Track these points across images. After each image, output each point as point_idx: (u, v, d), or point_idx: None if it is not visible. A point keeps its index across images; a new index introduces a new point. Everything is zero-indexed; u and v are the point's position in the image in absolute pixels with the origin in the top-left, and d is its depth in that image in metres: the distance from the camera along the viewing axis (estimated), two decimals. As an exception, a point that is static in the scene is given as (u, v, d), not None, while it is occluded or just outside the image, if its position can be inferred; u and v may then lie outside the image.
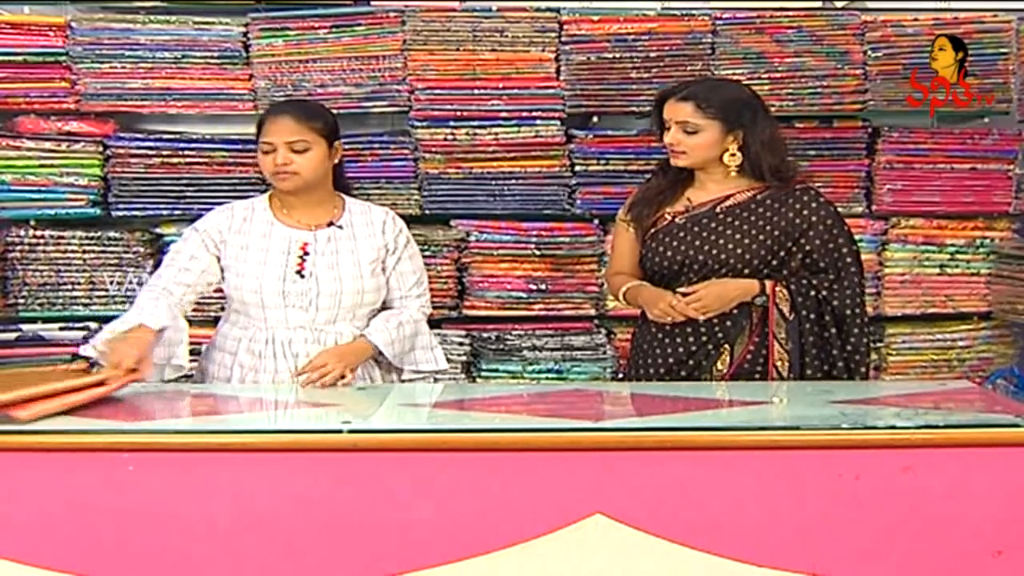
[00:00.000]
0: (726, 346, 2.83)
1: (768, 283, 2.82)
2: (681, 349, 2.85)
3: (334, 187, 2.93)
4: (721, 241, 2.84)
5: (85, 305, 3.75)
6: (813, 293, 2.81)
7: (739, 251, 2.83)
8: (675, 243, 2.87)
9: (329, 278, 2.81)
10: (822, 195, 2.91)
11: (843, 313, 2.82)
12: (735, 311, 2.82)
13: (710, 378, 2.83)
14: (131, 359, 2.46)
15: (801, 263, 2.85)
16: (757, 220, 2.84)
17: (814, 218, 2.84)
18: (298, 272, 2.80)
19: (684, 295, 2.80)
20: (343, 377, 2.67)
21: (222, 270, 2.85)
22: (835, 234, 2.86)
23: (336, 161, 2.89)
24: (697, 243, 2.85)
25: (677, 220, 2.89)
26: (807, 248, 2.84)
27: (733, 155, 2.84)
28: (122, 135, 3.75)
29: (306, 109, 2.88)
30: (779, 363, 2.81)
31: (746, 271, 2.83)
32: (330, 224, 2.87)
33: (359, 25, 3.77)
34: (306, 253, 2.83)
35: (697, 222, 2.87)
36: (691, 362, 2.84)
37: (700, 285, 2.81)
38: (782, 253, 2.84)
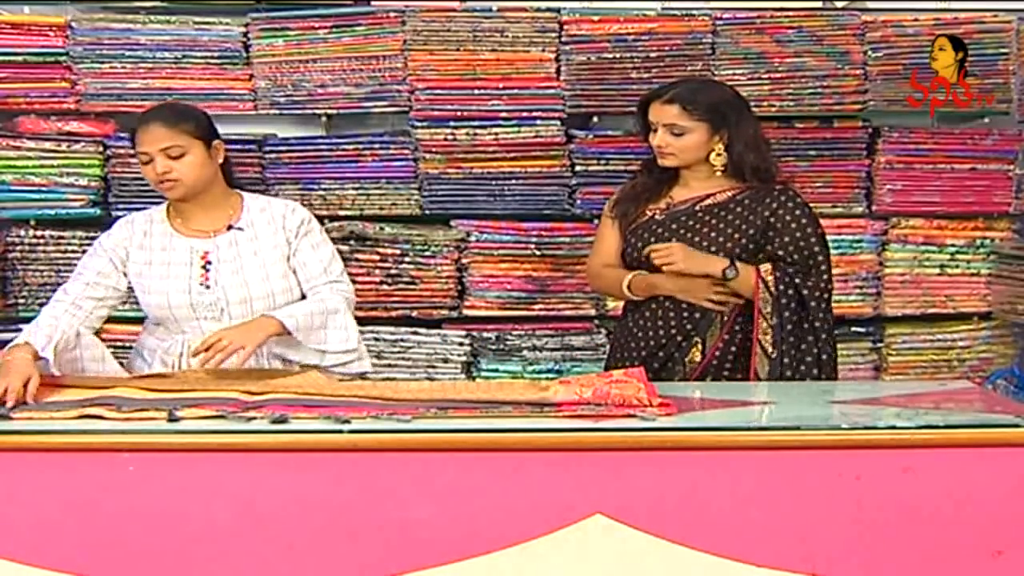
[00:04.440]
0: (697, 339, 2.89)
1: (750, 266, 2.86)
2: (653, 342, 2.91)
3: (230, 186, 2.89)
4: (697, 239, 2.90)
5: (85, 305, 3.74)
6: (788, 279, 2.86)
7: (713, 249, 2.88)
8: (652, 239, 2.93)
9: (235, 285, 2.77)
10: (799, 195, 2.96)
11: (809, 305, 2.85)
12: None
13: (683, 370, 2.89)
14: (16, 384, 2.34)
15: (771, 257, 2.90)
16: (734, 219, 2.90)
17: (788, 217, 2.89)
18: (202, 284, 2.77)
19: (654, 250, 2.86)
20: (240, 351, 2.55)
21: (130, 285, 2.82)
22: (808, 233, 2.90)
23: (221, 160, 2.83)
24: (674, 239, 2.91)
25: (657, 217, 2.95)
26: (776, 243, 2.89)
27: (719, 155, 2.91)
28: (122, 135, 3.75)
29: (174, 112, 2.81)
30: (763, 338, 2.84)
31: None
32: (229, 228, 2.82)
33: (359, 25, 3.77)
34: (208, 263, 2.78)
35: (676, 219, 2.93)
36: (661, 354, 2.90)
37: (674, 243, 2.87)
38: (757, 251, 2.89)
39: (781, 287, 2.84)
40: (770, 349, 2.84)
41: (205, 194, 2.81)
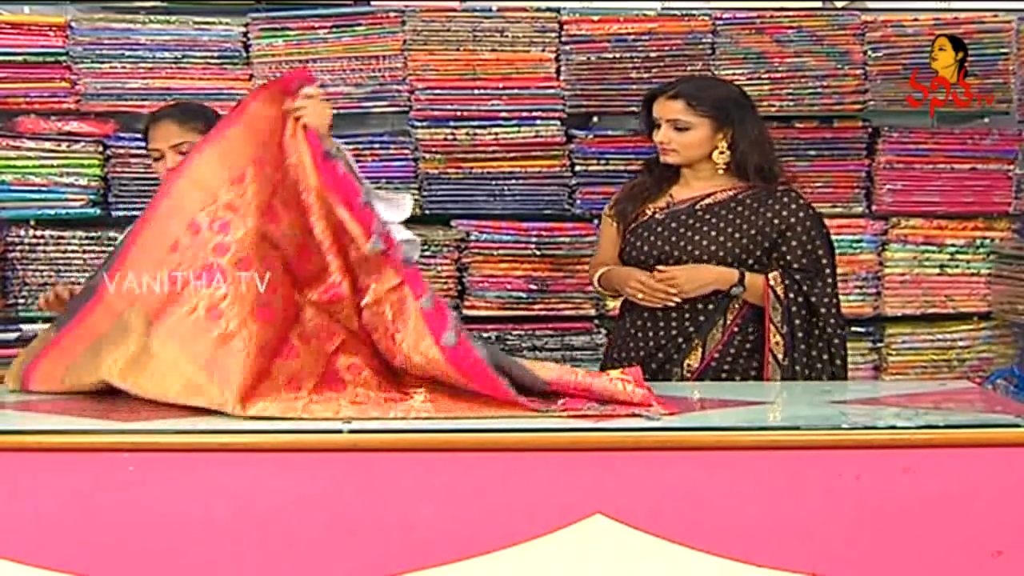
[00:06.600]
0: (697, 341, 2.86)
1: (755, 274, 2.84)
2: (651, 343, 2.89)
3: None
4: (696, 238, 2.87)
5: (85, 305, 3.74)
6: (797, 287, 2.84)
7: (713, 248, 2.85)
8: (652, 238, 2.91)
9: None
10: (803, 197, 2.93)
11: (819, 312, 2.84)
12: (709, 306, 2.86)
13: (681, 373, 2.86)
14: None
15: (777, 263, 2.87)
16: (735, 219, 2.87)
17: (793, 219, 2.86)
18: None
19: (660, 272, 2.84)
20: None
21: None
22: (813, 236, 2.88)
23: None
24: (673, 239, 2.88)
25: (656, 216, 2.93)
26: (783, 249, 2.86)
27: (722, 153, 2.88)
28: (122, 135, 3.75)
29: (186, 111, 2.84)
30: (775, 347, 2.83)
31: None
32: None
33: (359, 25, 3.77)
34: None
35: (675, 218, 2.90)
36: (661, 355, 2.88)
37: (677, 267, 2.84)
38: (758, 252, 2.86)
39: (791, 295, 2.82)
40: (782, 358, 2.82)
41: None
